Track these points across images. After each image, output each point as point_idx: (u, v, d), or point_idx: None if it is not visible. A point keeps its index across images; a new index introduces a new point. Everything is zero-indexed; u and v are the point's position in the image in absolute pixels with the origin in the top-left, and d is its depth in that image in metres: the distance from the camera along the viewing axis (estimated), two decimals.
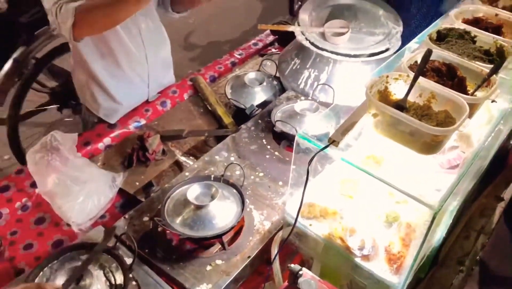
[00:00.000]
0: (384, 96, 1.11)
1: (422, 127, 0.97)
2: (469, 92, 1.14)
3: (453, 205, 1.18)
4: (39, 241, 1.46)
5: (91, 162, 1.64)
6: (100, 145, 1.77)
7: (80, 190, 1.49)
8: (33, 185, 1.57)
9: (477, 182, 1.47)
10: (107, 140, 1.79)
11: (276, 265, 1.25)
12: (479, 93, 1.13)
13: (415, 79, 1.06)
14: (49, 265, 1.17)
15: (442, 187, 1.06)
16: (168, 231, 1.34)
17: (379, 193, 1.21)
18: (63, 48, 2.66)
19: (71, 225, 1.47)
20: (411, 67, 1.14)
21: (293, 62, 1.93)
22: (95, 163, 1.66)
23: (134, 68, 1.83)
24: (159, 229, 1.35)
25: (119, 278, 1.15)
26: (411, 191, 0.97)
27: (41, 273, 1.15)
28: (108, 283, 1.14)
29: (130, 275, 1.18)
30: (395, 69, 1.17)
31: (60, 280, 1.09)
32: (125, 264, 1.16)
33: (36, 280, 1.13)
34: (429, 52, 1.07)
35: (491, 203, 1.70)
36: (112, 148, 1.77)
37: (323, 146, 1.04)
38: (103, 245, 1.20)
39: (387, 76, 1.11)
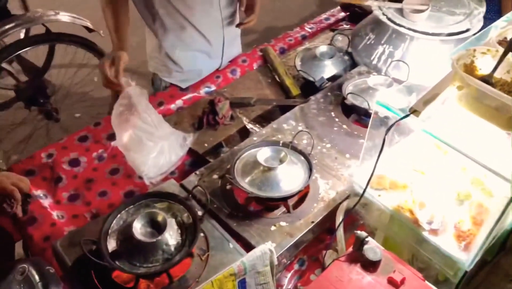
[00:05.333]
0: (469, 71, 1.08)
1: (510, 102, 0.94)
2: None
3: None
4: (113, 190, 1.55)
5: (165, 121, 1.71)
6: (173, 106, 1.84)
7: (153, 146, 1.56)
8: (109, 137, 1.67)
9: None
10: (179, 102, 1.86)
11: (340, 232, 1.27)
12: None
13: (504, 54, 1.03)
14: (126, 209, 1.24)
15: None
16: (236, 191, 1.39)
17: (453, 170, 1.19)
18: (30, 41, 2.62)
19: (143, 178, 1.54)
20: (500, 43, 1.10)
21: (367, 37, 1.90)
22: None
23: (211, 41, 1.87)
24: (228, 187, 1.40)
25: (190, 228, 1.20)
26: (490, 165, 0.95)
27: (118, 215, 1.23)
28: (179, 231, 1.20)
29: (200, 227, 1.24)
30: (483, 44, 1.14)
31: (136, 223, 1.16)
32: (197, 215, 1.21)
33: (114, 222, 1.21)
34: None
35: None
36: (184, 110, 1.84)
37: (403, 115, 1.04)
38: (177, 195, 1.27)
39: (475, 50, 1.08)
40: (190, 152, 1.65)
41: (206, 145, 1.67)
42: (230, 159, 1.46)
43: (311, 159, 1.43)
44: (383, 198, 1.22)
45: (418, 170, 1.26)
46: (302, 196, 1.41)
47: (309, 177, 1.35)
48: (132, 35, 1.70)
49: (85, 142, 1.66)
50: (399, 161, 1.28)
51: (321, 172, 1.47)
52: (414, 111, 1.03)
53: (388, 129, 1.06)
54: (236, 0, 1.92)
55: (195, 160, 1.65)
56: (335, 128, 1.63)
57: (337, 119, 1.67)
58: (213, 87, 1.93)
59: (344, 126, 1.64)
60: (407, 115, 1.03)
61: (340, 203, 1.35)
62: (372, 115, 1.14)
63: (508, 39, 1.10)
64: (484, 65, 1.09)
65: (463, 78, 1.02)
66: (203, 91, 1.91)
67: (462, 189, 1.19)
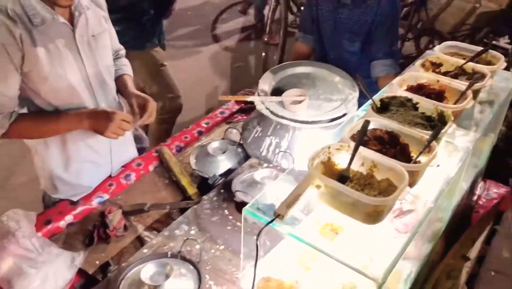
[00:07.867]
0: (328, 167, 1.13)
1: (361, 198, 0.98)
2: (413, 158, 1.16)
3: (407, 272, 1.17)
4: None
5: (51, 242, 1.60)
6: (62, 223, 1.74)
7: (36, 273, 1.45)
8: None
9: (437, 242, 1.47)
10: (69, 218, 1.76)
11: None
12: (423, 159, 1.15)
13: (355, 150, 1.09)
14: None
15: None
16: None
17: (336, 263, 1.20)
18: None
19: None
20: (353, 137, 1.17)
21: (255, 130, 1.96)
22: (55, 242, 1.62)
23: (96, 149, 1.83)
24: None
25: None
26: (357, 263, 0.96)
27: None
28: None
29: None
30: (339, 140, 1.20)
31: None
32: None
33: None
34: (366, 123, 1.10)
35: (457, 263, 1.68)
36: (74, 226, 1.74)
37: (269, 219, 1.04)
38: None
39: (329, 147, 1.13)
40: (81, 272, 1.55)
41: (97, 262, 1.57)
42: (118, 278, 1.38)
43: (203, 265, 1.38)
44: None
45: (303, 266, 1.25)
46: None
47: (198, 288, 1.30)
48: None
49: None
50: (285, 259, 1.27)
51: (215, 278, 1.42)
52: (278, 215, 1.03)
53: (258, 235, 1.05)
54: (119, 103, 1.91)
55: (86, 281, 1.54)
56: (229, 228, 1.61)
57: (230, 217, 1.65)
58: (106, 196, 1.87)
59: (238, 224, 1.63)
60: (271, 221, 1.03)
61: None
62: (242, 221, 1.14)
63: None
64: (342, 159, 1.14)
65: (319, 178, 1.05)
66: (95, 202, 1.84)
67: (347, 281, 1.19)
